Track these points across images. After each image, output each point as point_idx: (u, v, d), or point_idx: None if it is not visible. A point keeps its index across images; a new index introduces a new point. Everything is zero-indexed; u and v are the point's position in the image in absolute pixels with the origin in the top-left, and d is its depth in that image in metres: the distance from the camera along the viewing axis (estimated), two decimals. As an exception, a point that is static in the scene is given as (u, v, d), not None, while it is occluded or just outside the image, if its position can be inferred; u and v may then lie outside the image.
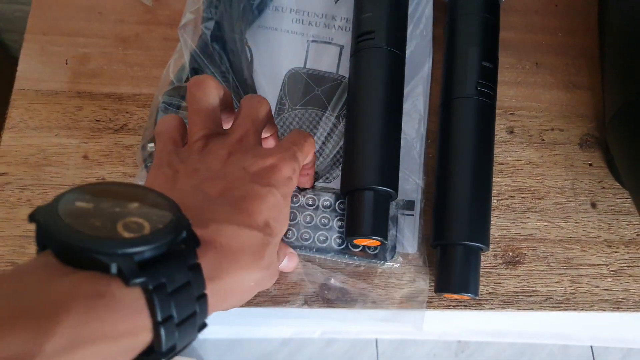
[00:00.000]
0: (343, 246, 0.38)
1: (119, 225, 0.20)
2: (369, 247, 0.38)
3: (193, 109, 0.31)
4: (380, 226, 0.36)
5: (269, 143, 0.36)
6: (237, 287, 0.26)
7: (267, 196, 0.28)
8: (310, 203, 0.39)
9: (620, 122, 0.37)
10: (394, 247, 0.38)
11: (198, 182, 0.28)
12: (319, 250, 0.38)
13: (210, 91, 0.31)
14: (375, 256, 0.38)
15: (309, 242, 0.38)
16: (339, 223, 0.39)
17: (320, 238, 0.38)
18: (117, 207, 0.21)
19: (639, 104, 0.35)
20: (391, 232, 0.38)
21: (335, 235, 0.38)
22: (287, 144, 0.31)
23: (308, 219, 0.39)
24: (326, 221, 0.39)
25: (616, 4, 0.41)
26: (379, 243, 0.36)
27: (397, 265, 0.39)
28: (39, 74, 0.42)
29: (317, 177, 0.41)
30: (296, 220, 0.38)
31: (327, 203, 0.39)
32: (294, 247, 0.38)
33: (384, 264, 0.38)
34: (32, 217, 0.20)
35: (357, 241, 0.37)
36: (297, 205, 0.39)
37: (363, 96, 0.39)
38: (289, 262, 0.37)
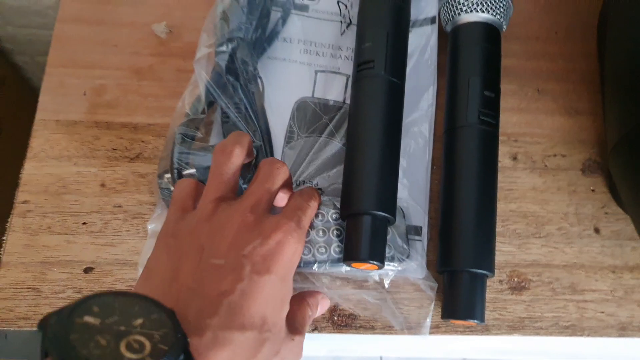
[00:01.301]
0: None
1: (122, 345, 0.22)
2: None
3: (213, 172, 0.33)
4: (377, 251, 0.37)
5: (281, 198, 0.37)
6: None
7: (265, 287, 0.29)
8: (320, 218, 0.40)
9: (622, 150, 0.38)
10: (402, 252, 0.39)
11: (199, 274, 0.29)
12: (336, 261, 0.38)
13: (234, 160, 0.33)
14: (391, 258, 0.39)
15: (325, 255, 0.39)
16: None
17: (336, 250, 0.39)
18: (122, 325, 0.22)
19: (630, 147, 0.36)
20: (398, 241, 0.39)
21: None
22: (291, 211, 0.33)
23: (321, 233, 0.39)
24: (339, 232, 0.39)
25: (614, 36, 0.43)
26: (376, 267, 0.37)
27: (407, 290, 0.40)
28: (58, 105, 0.43)
29: (322, 192, 0.42)
30: (310, 237, 0.39)
31: (335, 216, 0.40)
32: (311, 264, 0.38)
33: (400, 262, 0.39)
34: (41, 326, 0.21)
35: (354, 265, 0.37)
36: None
37: (362, 123, 0.40)
38: (323, 307, 0.38)
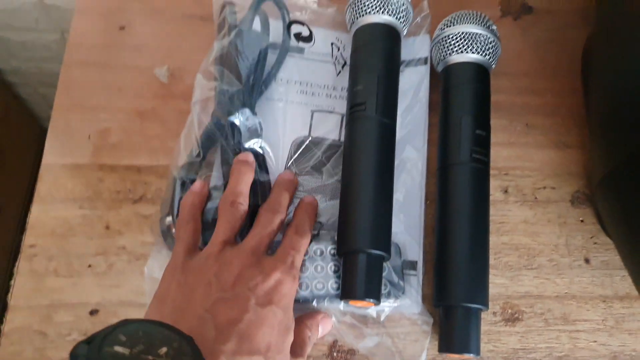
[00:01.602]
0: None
1: None
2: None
3: (222, 219, 0.38)
4: (373, 288, 0.38)
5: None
6: None
7: (269, 318, 0.34)
8: (318, 253, 0.41)
9: (607, 186, 0.40)
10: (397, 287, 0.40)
11: (210, 305, 0.33)
12: (333, 297, 0.40)
13: (241, 210, 0.38)
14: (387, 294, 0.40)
15: (323, 291, 0.40)
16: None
17: (333, 285, 0.40)
18: (149, 354, 0.24)
19: (623, 172, 0.37)
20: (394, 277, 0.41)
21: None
22: (286, 251, 0.38)
23: (319, 268, 0.41)
24: (336, 268, 0.41)
25: (596, 74, 0.45)
26: (373, 304, 0.38)
27: (403, 324, 0.41)
28: (64, 149, 0.45)
29: (321, 227, 0.43)
30: (308, 272, 0.40)
31: (333, 251, 0.41)
32: (308, 300, 0.40)
33: (397, 297, 0.40)
34: (73, 357, 0.23)
35: (352, 302, 0.39)
36: (306, 256, 0.41)
37: (355, 163, 0.42)
38: (325, 327, 0.40)
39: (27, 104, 1.10)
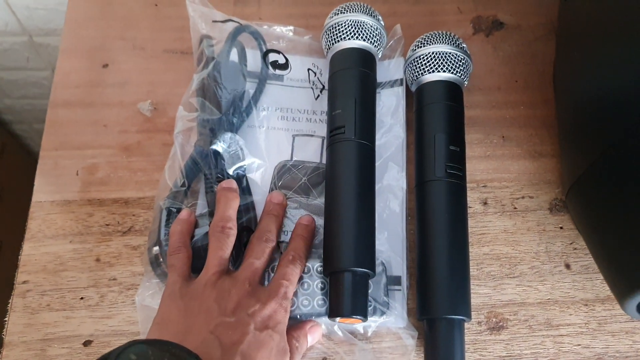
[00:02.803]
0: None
1: None
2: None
3: (214, 249, 0.40)
4: (360, 305, 0.39)
5: None
6: None
7: (267, 341, 0.36)
8: (305, 271, 0.42)
9: (576, 194, 0.41)
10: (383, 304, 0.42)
11: (213, 327, 0.35)
12: (319, 314, 0.41)
13: (230, 237, 0.40)
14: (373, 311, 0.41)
15: (309, 308, 0.41)
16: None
17: (319, 302, 0.41)
18: None
19: (589, 178, 0.39)
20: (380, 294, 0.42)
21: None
22: (279, 282, 0.40)
23: (305, 286, 0.42)
24: (322, 285, 0.42)
25: (562, 85, 0.46)
26: (360, 321, 0.39)
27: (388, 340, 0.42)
28: (53, 186, 0.46)
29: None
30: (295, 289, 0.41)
31: (320, 269, 0.42)
32: (296, 316, 0.41)
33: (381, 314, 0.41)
34: None
35: (340, 320, 0.40)
36: None
37: (337, 185, 0.43)
38: (314, 336, 0.41)
39: (23, 141, 1.12)
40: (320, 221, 0.45)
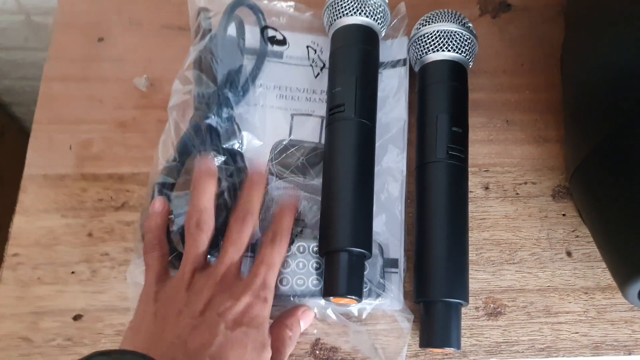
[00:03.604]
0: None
1: None
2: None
3: (189, 245, 0.38)
4: (355, 286, 0.38)
5: None
6: None
7: (240, 339, 0.34)
8: (301, 250, 0.41)
9: (580, 178, 0.40)
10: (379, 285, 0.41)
11: (181, 331, 0.34)
12: (313, 294, 0.40)
13: (206, 232, 0.38)
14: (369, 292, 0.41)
15: (303, 287, 0.40)
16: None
17: (314, 282, 0.41)
18: None
19: (593, 162, 0.38)
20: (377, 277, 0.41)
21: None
22: (256, 271, 0.38)
23: (300, 265, 0.41)
24: (318, 266, 0.41)
25: (569, 67, 0.45)
26: (354, 301, 0.39)
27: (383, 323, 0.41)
28: (46, 160, 0.46)
29: (304, 226, 0.43)
30: (290, 268, 0.41)
31: (316, 249, 0.41)
32: (289, 296, 0.40)
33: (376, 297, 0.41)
34: None
35: (334, 300, 0.39)
36: (289, 253, 0.41)
37: (336, 164, 0.42)
38: (306, 321, 0.40)
39: (22, 123, 1.11)
40: (317, 202, 0.44)
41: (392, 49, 0.51)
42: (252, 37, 0.49)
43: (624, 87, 0.34)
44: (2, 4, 0.83)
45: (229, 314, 0.35)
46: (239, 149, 0.44)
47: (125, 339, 0.36)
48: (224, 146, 0.43)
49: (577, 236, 0.46)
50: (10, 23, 0.88)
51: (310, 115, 0.48)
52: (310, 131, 0.48)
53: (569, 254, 0.45)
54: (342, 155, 0.42)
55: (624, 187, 0.35)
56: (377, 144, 0.45)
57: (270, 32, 0.49)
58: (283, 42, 0.50)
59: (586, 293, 0.44)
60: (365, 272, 0.41)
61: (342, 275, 0.39)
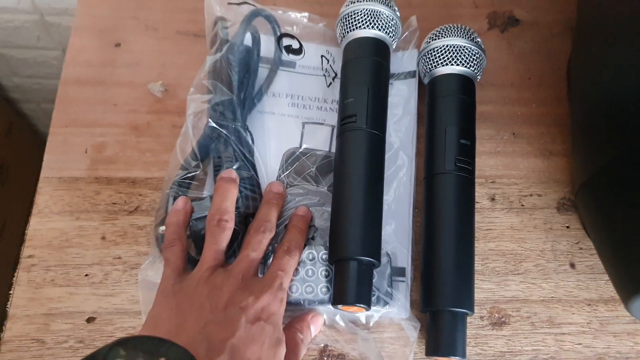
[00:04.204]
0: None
1: None
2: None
3: (209, 242, 0.39)
4: (364, 294, 0.39)
5: None
6: None
7: (259, 334, 0.36)
8: (310, 258, 0.42)
9: (586, 194, 0.41)
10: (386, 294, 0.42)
11: (203, 325, 0.35)
12: (322, 301, 0.41)
13: (227, 232, 0.40)
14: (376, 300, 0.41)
15: (312, 294, 0.41)
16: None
17: (323, 289, 0.41)
18: None
19: (600, 179, 0.38)
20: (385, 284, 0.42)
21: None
22: (274, 273, 0.39)
23: (310, 272, 0.42)
24: (327, 273, 0.42)
25: (578, 82, 0.46)
26: (363, 310, 0.39)
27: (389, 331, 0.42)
28: (61, 163, 0.46)
29: (316, 231, 0.44)
30: (299, 276, 0.41)
31: (325, 256, 0.42)
32: (298, 302, 0.41)
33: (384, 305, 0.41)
34: None
35: (343, 308, 0.40)
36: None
37: (346, 174, 0.43)
38: (316, 326, 0.41)
39: (30, 120, 1.12)
40: (328, 209, 0.45)
41: (403, 60, 0.51)
42: (266, 47, 0.50)
43: (633, 109, 0.35)
44: (17, 4, 0.84)
45: (250, 309, 0.36)
46: (251, 156, 0.45)
47: (143, 331, 0.36)
48: (237, 153, 0.44)
49: (581, 248, 0.46)
50: (24, 22, 0.89)
51: (322, 124, 0.49)
52: (322, 140, 0.48)
53: (572, 265, 0.46)
54: (352, 165, 0.43)
55: (631, 207, 0.36)
56: (387, 154, 0.46)
57: (286, 41, 0.50)
58: (299, 50, 0.51)
59: (589, 305, 0.44)
60: (373, 280, 0.42)
61: (351, 284, 0.40)
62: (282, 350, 0.37)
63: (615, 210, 0.37)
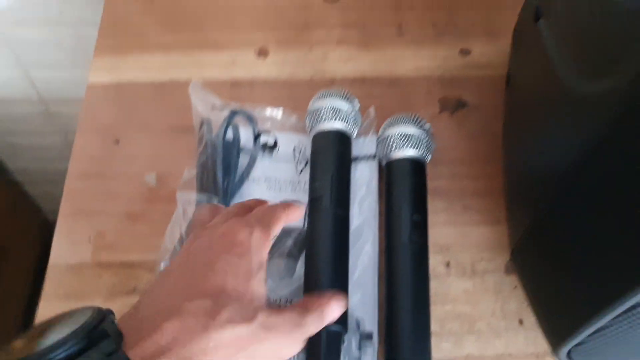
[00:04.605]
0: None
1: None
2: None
3: (231, 208, 0.46)
4: None
5: None
6: (201, 351, 0.32)
7: (219, 262, 0.37)
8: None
9: (516, 258, 0.48)
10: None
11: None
12: None
13: (249, 214, 0.44)
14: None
15: None
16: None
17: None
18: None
19: (523, 246, 0.45)
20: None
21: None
22: (261, 212, 0.44)
23: None
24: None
25: (504, 163, 0.54)
26: None
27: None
28: (67, 251, 0.53)
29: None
30: None
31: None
32: None
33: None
34: None
35: None
36: None
37: (314, 249, 0.50)
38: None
39: (33, 200, 1.19)
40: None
41: (365, 145, 0.59)
42: (246, 137, 0.58)
43: (537, 181, 0.42)
44: (24, 95, 0.92)
45: (216, 242, 0.39)
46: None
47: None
48: None
49: (528, 306, 0.52)
50: (28, 113, 0.97)
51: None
52: (296, 218, 0.55)
53: (521, 322, 0.52)
54: (320, 241, 0.50)
55: (550, 267, 0.42)
56: (352, 228, 0.53)
57: (263, 139, 0.58)
58: (273, 146, 0.59)
59: (537, 357, 0.50)
60: (343, 345, 0.47)
61: (322, 353, 0.45)
62: (257, 279, 0.38)
63: (538, 270, 0.44)
